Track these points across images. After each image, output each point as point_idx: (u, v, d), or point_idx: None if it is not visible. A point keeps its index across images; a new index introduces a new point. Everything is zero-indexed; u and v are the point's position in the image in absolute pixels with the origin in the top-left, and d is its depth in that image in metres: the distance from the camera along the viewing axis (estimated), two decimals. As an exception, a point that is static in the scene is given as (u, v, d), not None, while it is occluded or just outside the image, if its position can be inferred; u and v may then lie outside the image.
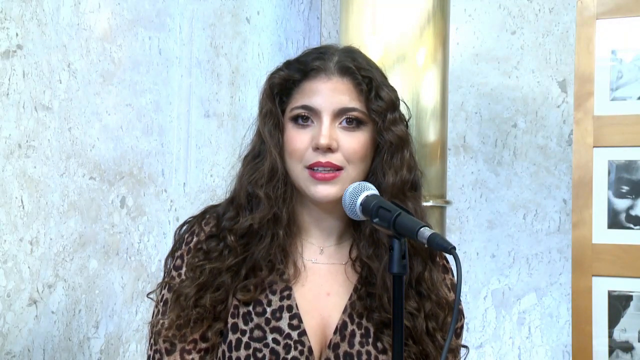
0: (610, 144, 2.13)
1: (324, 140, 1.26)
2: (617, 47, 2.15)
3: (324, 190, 1.27)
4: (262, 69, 2.70)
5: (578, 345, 2.12)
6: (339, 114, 1.28)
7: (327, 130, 1.27)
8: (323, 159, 1.27)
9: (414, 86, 2.29)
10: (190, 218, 1.39)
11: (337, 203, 1.28)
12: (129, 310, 2.05)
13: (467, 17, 2.96)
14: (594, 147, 2.13)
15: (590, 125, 2.14)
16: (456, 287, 1.06)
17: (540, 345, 2.82)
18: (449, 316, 1.32)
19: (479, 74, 2.94)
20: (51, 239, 1.79)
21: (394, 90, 1.34)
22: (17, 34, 1.68)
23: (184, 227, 1.38)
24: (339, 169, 1.27)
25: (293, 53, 2.84)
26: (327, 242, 1.36)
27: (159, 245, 2.16)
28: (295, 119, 1.30)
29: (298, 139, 1.29)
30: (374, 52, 2.28)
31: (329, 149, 1.26)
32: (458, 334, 1.39)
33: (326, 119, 1.27)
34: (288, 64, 1.35)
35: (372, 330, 1.29)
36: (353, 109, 1.29)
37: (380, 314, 1.29)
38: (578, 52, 2.18)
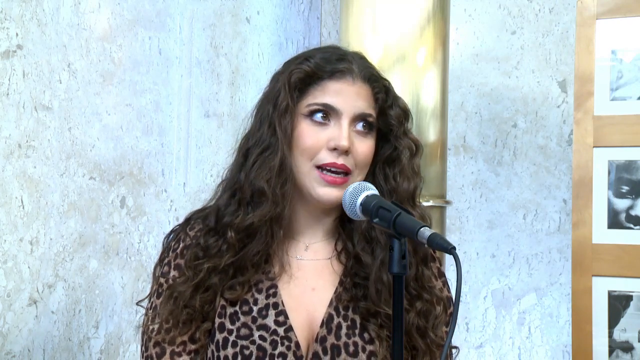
0: (610, 144, 2.13)
1: (345, 142, 1.27)
2: (617, 47, 2.15)
3: (331, 194, 1.28)
4: (262, 69, 2.70)
5: (578, 345, 2.12)
6: (357, 118, 1.30)
7: (347, 132, 1.28)
8: (339, 160, 1.27)
9: (414, 86, 2.29)
10: (176, 226, 1.40)
11: (336, 205, 1.30)
12: (129, 310, 2.05)
13: (467, 17, 2.96)
14: (594, 147, 2.13)
15: (590, 125, 2.14)
16: (456, 287, 1.05)
17: (540, 345, 2.83)
18: (442, 314, 1.33)
19: (479, 74, 2.94)
20: (51, 239, 1.79)
21: (404, 101, 1.38)
22: (17, 34, 1.68)
23: (171, 236, 1.39)
24: (348, 173, 1.29)
25: (293, 53, 2.82)
26: (313, 239, 1.37)
27: (159, 245, 2.15)
28: (312, 117, 1.30)
29: (314, 137, 1.29)
30: (374, 52, 2.28)
31: (345, 152, 1.27)
32: (447, 322, 1.38)
33: (345, 121, 1.28)
34: (308, 58, 1.33)
35: (358, 321, 1.30)
36: (370, 115, 1.31)
37: (366, 303, 1.29)
38: (578, 52, 2.18)
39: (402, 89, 2.24)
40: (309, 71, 1.31)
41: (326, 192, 1.28)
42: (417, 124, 2.29)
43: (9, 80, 1.66)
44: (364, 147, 1.30)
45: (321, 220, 1.36)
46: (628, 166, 2.11)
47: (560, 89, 2.85)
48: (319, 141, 1.28)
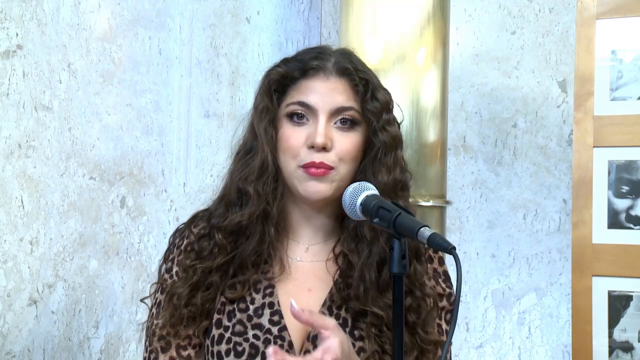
0: (610, 144, 2.13)
1: (320, 139, 1.27)
2: (617, 47, 2.15)
3: (315, 187, 1.29)
4: (262, 69, 2.67)
5: (578, 345, 2.12)
6: (335, 113, 1.30)
7: (323, 129, 1.28)
8: (317, 158, 1.28)
9: (414, 86, 2.29)
10: (181, 225, 1.42)
11: (326, 202, 1.31)
12: (129, 310, 2.05)
13: (467, 17, 2.96)
14: (594, 147, 2.13)
15: (590, 125, 2.14)
16: (456, 288, 1.05)
17: (540, 345, 2.83)
18: (432, 311, 1.32)
19: (479, 74, 2.94)
20: (51, 239, 1.79)
21: (388, 93, 1.36)
22: (17, 34, 1.68)
23: (176, 233, 1.42)
24: (330, 168, 1.29)
25: (293, 53, 2.83)
26: (313, 241, 1.38)
27: (159, 245, 2.16)
28: (291, 116, 1.31)
29: (294, 136, 1.30)
30: (374, 52, 2.28)
31: (324, 148, 1.28)
32: (439, 315, 1.37)
33: (322, 117, 1.29)
34: (286, 61, 1.37)
35: (349, 320, 1.31)
36: (350, 108, 1.31)
37: (356, 304, 1.30)
38: (578, 52, 2.18)
39: (402, 89, 2.24)
40: (283, 73, 1.34)
41: (311, 185, 1.29)
42: (417, 124, 2.29)
43: (9, 80, 1.66)
44: (346, 142, 1.30)
45: (319, 222, 1.37)
46: (628, 166, 2.11)
47: (560, 89, 2.85)
48: (299, 140, 1.30)
